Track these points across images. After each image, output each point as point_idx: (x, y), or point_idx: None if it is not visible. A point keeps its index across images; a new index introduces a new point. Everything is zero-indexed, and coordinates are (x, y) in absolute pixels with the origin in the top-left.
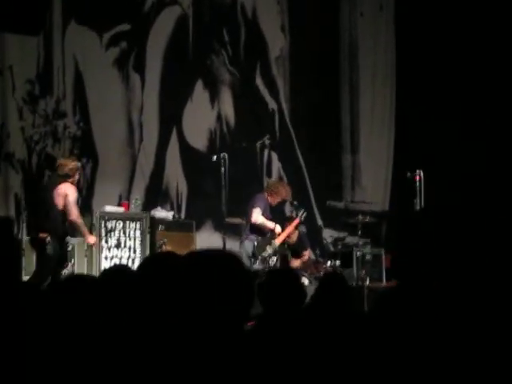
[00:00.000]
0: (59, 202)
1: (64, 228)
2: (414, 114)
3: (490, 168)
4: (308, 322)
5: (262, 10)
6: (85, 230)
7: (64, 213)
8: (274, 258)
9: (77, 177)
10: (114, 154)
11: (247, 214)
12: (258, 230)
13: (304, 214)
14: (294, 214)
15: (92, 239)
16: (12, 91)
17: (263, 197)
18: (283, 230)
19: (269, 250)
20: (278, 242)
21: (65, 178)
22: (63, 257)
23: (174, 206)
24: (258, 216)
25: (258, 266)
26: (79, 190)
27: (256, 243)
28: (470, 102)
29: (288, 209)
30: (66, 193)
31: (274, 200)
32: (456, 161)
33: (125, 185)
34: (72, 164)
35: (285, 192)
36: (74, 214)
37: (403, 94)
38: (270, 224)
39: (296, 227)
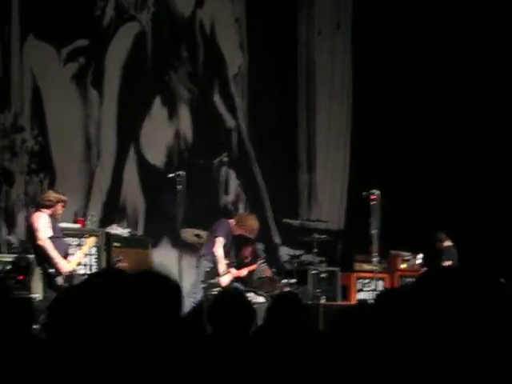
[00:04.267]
0: None
1: None
2: (370, 132)
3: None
4: (260, 343)
5: (221, 28)
6: None
7: None
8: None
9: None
10: (72, 169)
11: (210, 234)
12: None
13: (263, 263)
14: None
15: None
16: None
17: (227, 224)
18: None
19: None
20: (226, 280)
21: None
22: None
23: (131, 222)
24: (218, 248)
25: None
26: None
27: (209, 269)
28: (427, 121)
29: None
30: None
31: (237, 231)
32: (412, 180)
33: (82, 201)
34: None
35: (250, 229)
36: None
37: (359, 112)
38: (222, 268)
39: (251, 272)
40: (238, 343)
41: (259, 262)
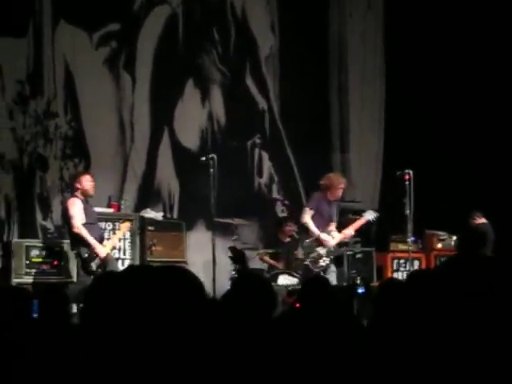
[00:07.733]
0: None
1: None
2: (403, 112)
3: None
4: (286, 328)
5: (252, 9)
6: None
7: None
8: (327, 260)
9: None
10: (106, 153)
11: None
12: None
13: (374, 216)
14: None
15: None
16: (2, 92)
17: (316, 195)
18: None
19: (320, 250)
20: (333, 243)
21: None
22: None
23: (166, 206)
24: (304, 215)
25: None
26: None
27: (303, 243)
28: (460, 101)
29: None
30: None
31: (334, 194)
32: (446, 160)
33: (117, 185)
34: None
35: (336, 180)
36: None
37: (392, 92)
38: (314, 230)
39: (359, 228)
40: (260, 326)
41: (373, 216)
